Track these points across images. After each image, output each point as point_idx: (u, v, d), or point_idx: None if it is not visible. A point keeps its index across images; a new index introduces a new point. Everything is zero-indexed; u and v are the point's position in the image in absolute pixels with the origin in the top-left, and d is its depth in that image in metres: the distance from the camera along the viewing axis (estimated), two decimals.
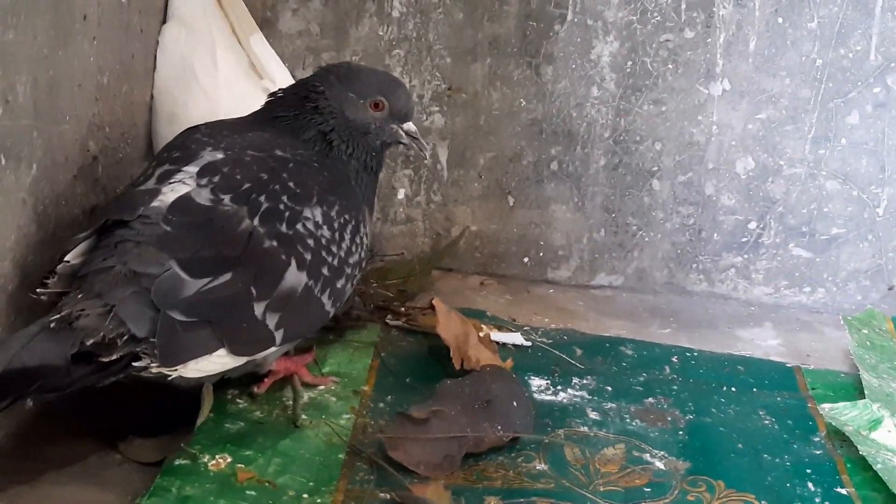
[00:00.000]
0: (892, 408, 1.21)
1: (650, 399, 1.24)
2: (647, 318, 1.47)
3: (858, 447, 1.13)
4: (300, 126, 1.15)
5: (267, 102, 1.19)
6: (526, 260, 1.56)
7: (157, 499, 0.99)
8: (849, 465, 1.14)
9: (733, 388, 1.28)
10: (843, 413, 1.20)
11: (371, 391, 1.21)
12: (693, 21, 1.45)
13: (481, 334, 1.30)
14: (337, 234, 1.11)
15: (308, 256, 1.08)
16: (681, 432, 1.18)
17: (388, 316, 1.37)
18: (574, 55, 1.48)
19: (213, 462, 1.05)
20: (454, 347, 1.22)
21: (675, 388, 1.27)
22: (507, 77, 1.49)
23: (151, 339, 0.97)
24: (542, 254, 1.56)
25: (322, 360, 1.25)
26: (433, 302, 1.27)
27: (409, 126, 1.19)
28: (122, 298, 0.98)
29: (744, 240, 1.52)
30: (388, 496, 1.02)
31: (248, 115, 1.19)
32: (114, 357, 0.96)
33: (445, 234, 1.55)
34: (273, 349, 1.08)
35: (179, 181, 1.06)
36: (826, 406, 1.22)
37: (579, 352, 1.34)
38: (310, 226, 1.09)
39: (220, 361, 1.03)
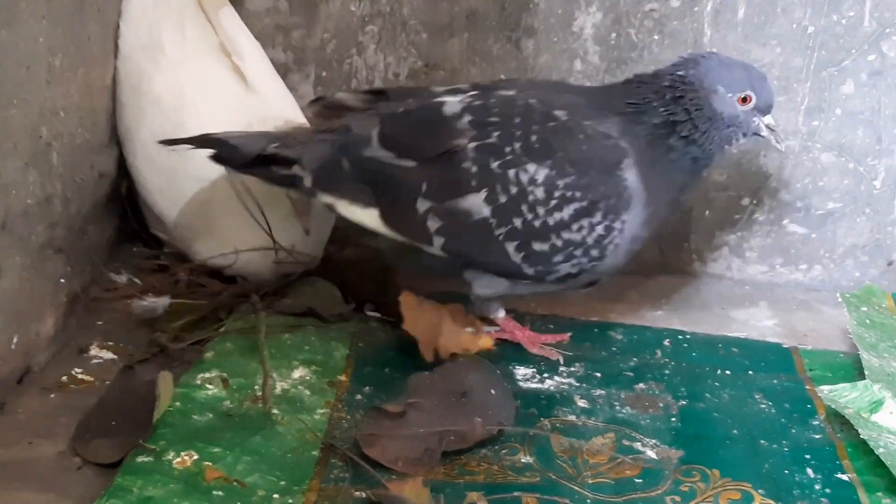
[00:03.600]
0: (894, 388, 1.16)
1: (641, 385, 1.19)
2: (638, 301, 1.42)
3: (859, 430, 1.08)
4: (645, 111, 1.15)
5: (625, 82, 1.19)
6: None
7: (116, 500, 0.93)
8: (849, 450, 1.09)
9: (728, 372, 1.23)
10: (842, 395, 1.15)
11: (348, 382, 1.16)
12: None
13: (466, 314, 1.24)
14: (554, 202, 1.12)
15: (503, 199, 1.12)
16: (673, 419, 1.13)
17: (367, 305, 1.31)
18: (555, 27, 1.42)
19: (179, 460, 0.99)
20: (424, 342, 1.16)
21: (667, 372, 1.22)
22: (485, 52, 1.43)
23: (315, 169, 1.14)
24: None
25: (297, 348, 1.20)
26: (401, 297, 1.21)
27: (770, 119, 1.18)
28: (320, 140, 1.16)
29: (737, 217, 1.47)
30: (364, 495, 0.97)
31: (602, 86, 1.26)
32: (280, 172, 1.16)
33: None
34: (481, 293, 1.18)
35: (455, 94, 1.18)
36: (825, 388, 1.17)
37: None
38: (524, 177, 1.12)
39: (373, 223, 1.15)
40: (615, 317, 1.36)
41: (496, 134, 1.13)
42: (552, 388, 1.18)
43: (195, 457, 1.00)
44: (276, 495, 0.96)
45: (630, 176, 1.14)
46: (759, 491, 1.02)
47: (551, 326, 1.32)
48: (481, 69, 1.44)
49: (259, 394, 1.10)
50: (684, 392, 1.18)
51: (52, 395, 1.10)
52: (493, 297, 1.22)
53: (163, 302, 1.22)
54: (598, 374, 1.21)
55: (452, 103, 1.16)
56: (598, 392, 1.17)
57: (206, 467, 0.99)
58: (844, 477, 1.05)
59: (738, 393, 1.19)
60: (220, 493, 0.96)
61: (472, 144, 1.13)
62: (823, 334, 1.34)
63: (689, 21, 1.40)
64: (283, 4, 1.43)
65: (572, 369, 1.21)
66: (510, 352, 1.23)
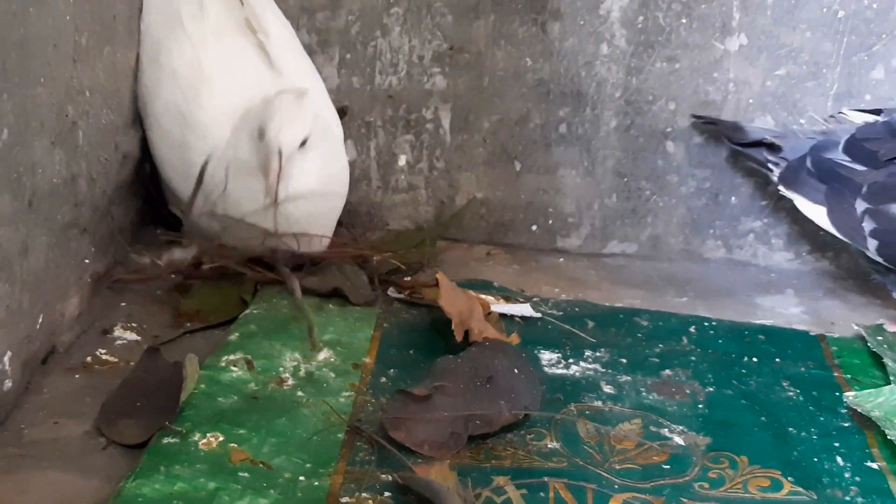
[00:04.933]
0: None
1: (667, 371, 1.18)
2: (663, 287, 1.41)
3: (886, 432, 1.07)
4: None
5: None
6: (534, 228, 1.50)
7: (143, 480, 0.93)
8: (879, 438, 1.08)
9: (755, 359, 1.22)
10: (868, 400, 1.13)
11: (373, 364, 1.15)
12: None
13: (489, 313, 1.23)
14: None
15: None
16: (700, 406, 1.12)
17: (391, 288, 1.31)
18: (582, 10, 1.40)
19: (205, 441, 0.99)
20: (457, 320, 1.15)
21: (693, 359, 1.21)
22: (511, 35, 1.42)
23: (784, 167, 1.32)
24: (551, 221, 1.49)
25: (322, 330, 1.19)
26: (437, 276, 1.21)
27: None
28: (805, 137, 1.34)
29: (763, 203, 1.45)
30: (390, 478, 0.96)
31: None
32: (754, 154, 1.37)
33: (449, 201, 1.49)
34: None
35: None
36: (850, 394, 1.15)
37: (591, 323, 1.27)
38: None
39: (821, 220, 1.29)
40: (640, 303, 1.35)
41: None
42: (578, 373, 1.17)
43: (221, 438, 0.99)
44: (301, 477, 0.96)
45: None
46: (789, 478, 1.01)
47: (576, 309, 1.31)
48: (507, 52, 1.42)
49: (284, 376, 1.10)
50: (711, 379, 1.17)
51: (77, 376, 1.10)
52: None
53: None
54: (624, 361, 1.20)
55: None
56: (625, 378, 1.16)
57: (231, 449, 0.98)
58: (874, 465, 1.04)
59: (766, 380, 1.18)
60: (245, 474, 0.95)
61: None
62: (851, 322, 1.33)
63: (718, 4, 1.39)
64: None
65: (598, 355, 1.20)
66: (535, 337, 1.23)
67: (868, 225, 1.25)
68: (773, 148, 1.34)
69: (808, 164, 1.30)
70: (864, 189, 1.26)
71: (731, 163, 1.44)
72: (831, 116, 1.37)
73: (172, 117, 1.27)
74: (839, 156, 1.28)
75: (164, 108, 1.28)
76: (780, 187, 1.33)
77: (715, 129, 1.42)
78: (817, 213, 1.30)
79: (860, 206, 1.26)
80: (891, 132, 1.27)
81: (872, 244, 1.26)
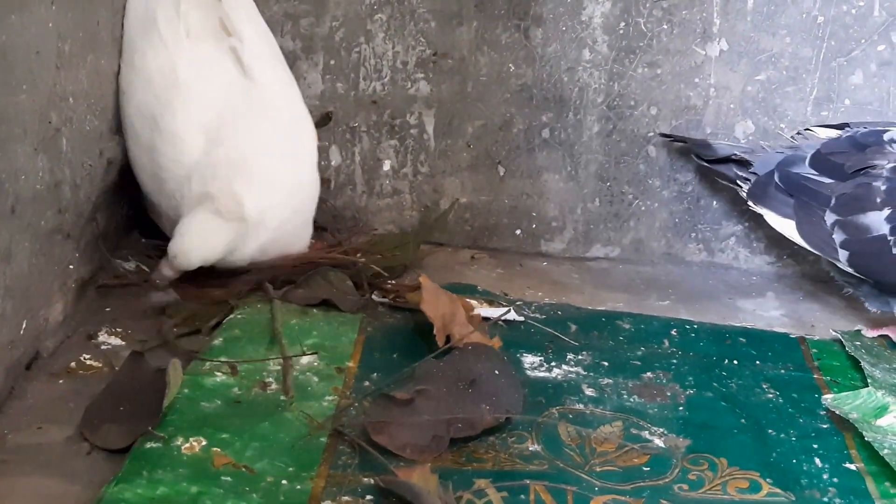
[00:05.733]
0: None
1: (648, 374, 1.19)
2: (645, 291, 1.42)
3: (864, 433, 1.08)
4: None
5: None
6: (518, 232, 1.51)
7: (125, 485, 0.93)
8: (857, 440, 1.09)
9: (735, 361, 1.23)
10: (846, 402, 1.15)
11: (356, 368, 1.16)
12: None
13: (473, 313, 1.24)
14: None
15: None
16: (681, 408, 1.13)
17: (375, 292, 1.31)
18: (564, 16, 1.42)
19: (187, 446, 0.99)
20: (439, 325, 1.16)
21: (674, 361, 1.22)
22: (494, 41, 1.43)
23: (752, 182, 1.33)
24: (534, 225, 1.50)
25: (306, 334, 1.20)
26: (420, 279, 1.22)
27: None
28: (774, 151, 1.35)
29: (745, 207, 1.46)
30: (372, 481, 0.97)
31: None
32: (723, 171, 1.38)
33: (434, 206, 1.50)
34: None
35: None
36: (828, 397, 1.16)
37: (574, 327, 1.28)
38: None
39: (791, 233, 1.30)
40: (622, 306, 1.36)
41: None
42: (560, 376, 1.18)
43: (204, 443, 1.00)
44: (284, 481, 0.96)
45: None
46: (767, 480, 1.02)
47: (559, 313, 1.32)
48: (490, 58, 1.43)
49: (268, 380, 1.10)
50: (692, 381, 1.18)
51: (61, 381, 1.10)
52: None
53: (175, 293, 1.23)
54: (606, 363, 1.21)
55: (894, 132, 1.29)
56: (606, 381, 1.17)
57: (214, 453, 0.99)
58: (852, 467, 1.05)
59: (746, 382, 1.19)
60: (228, 478, 0.96)
61: (891, 165, 1.24)
62: (831, 324, 1.34)
63: (699, 10, 1.40)
64: None
65: (580, 358, 1.21)
66: (518, 340, 1.23)
67: (838, 236, 1.26)
68: (742, 164, 1.36)
69: (776, 178, 1.31)
70: (833, 201, 1.27)
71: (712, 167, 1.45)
72: (798, 133, 1.38)
73: (144, 120, 1.28)
74: (806, 170, 1.30)
75: (137, 110, 1.29)
76: (750, 203, 1.34)
77: (684, 147, 1.43)
78: (787, 227, 1.32)
79: (830, 217, 1.27)
80: (854, 146, 1.29)
81: (843, 255, 1.27)
